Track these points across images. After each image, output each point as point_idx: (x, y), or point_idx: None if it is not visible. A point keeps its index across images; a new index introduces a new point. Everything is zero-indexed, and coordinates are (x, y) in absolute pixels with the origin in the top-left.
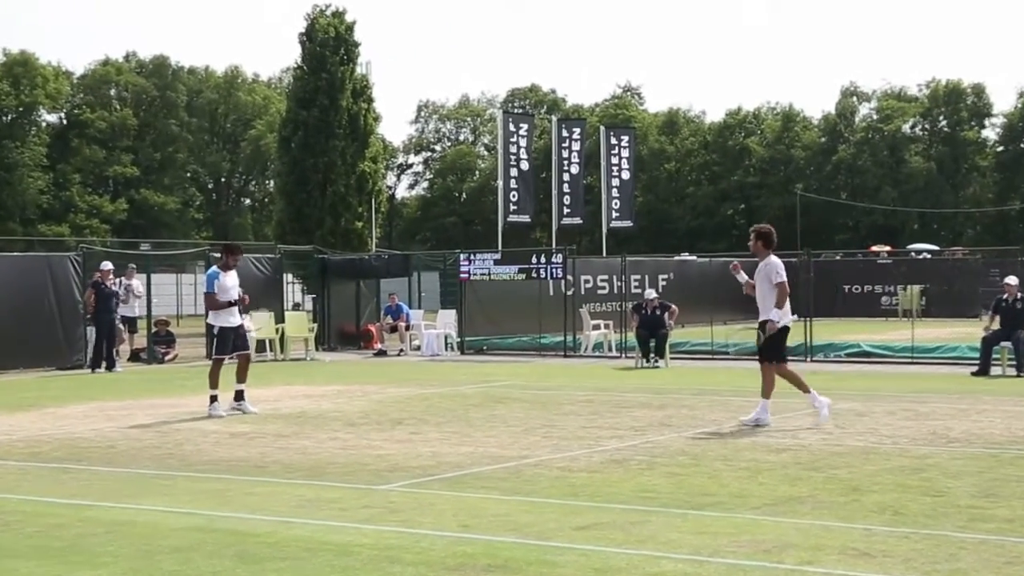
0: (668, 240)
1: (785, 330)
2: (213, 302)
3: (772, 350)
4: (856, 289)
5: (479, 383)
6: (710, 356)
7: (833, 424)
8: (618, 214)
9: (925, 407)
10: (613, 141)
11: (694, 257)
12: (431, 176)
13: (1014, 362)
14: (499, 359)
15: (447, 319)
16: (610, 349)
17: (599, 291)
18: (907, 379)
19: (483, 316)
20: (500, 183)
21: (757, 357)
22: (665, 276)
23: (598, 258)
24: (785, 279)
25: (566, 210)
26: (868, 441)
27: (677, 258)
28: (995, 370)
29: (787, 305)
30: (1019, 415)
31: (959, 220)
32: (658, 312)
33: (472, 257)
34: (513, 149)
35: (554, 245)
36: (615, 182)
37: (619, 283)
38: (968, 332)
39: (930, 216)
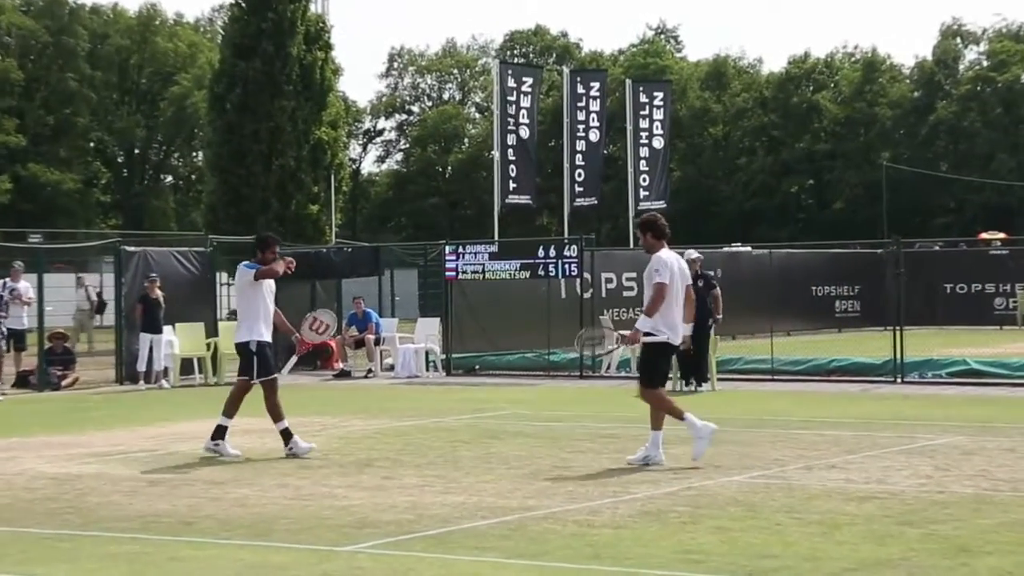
0: (714, 226)
1: (663, 348)
2: (261, 271)
3: (642, 372)
4: (961, 288)
5: (470, 413)
6: (770, 377)
7: (932, 465)
8: (649, 193)
9: None
10: (642, 99)
11: (748, 248)
12: (407, 146)
13: None
14: (496, 382)
15: (429, 330)
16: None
17: (625, 293)
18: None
19: (475, 326)
20: (496, 154)
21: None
22: (710, 273)
23: (623, 250)
24: (666, 280)
25: (581, 189)
26: (979, 487)
27: (726, 249)
28: None
29: (675, 316)
30: None
31: None
32: (700, 285)
33: (461, 250)
34: (513, 110)
35: (567, 234)
36: (645, 152)
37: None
38: None
39: None
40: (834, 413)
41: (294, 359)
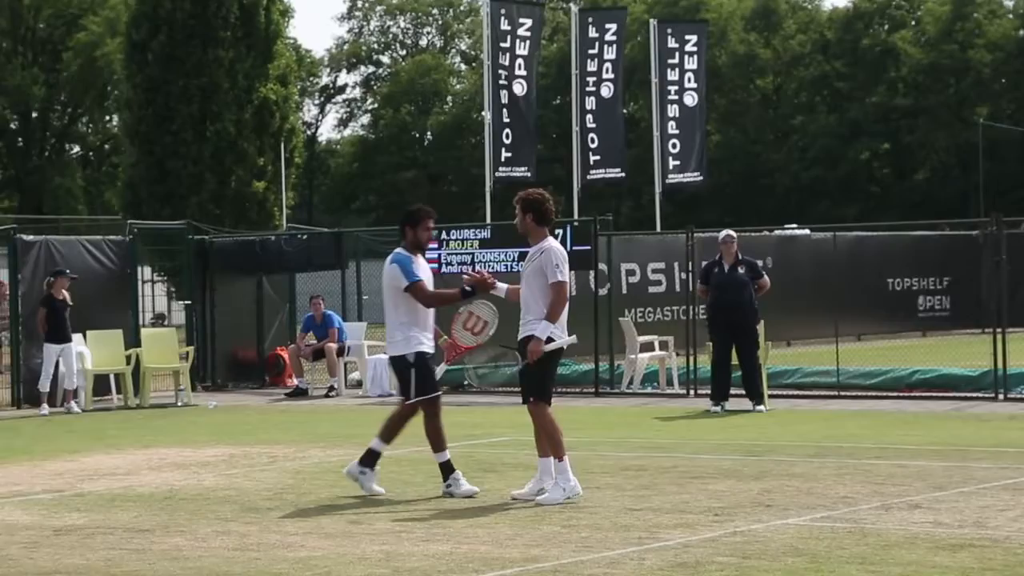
0: (763, 204)
1: (556, 355)
2: (426, 294)
3: (535, 384)
4: None
5: (459, 440)
6: (835, 393)
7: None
8: (680, 163)
9: None
10: (672, 43)
11: (806, 231)
12: (375, 106)
13: None
14: (491, 400)
15: None
16: (670, 383)
17: (651, 289)
18: None
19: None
20: (488, 115)
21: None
22: (760, 262)
23: (649, 234)
24: (566, 279)
25: (595, 158)
26: None
27: (778, 233)
28: None
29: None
30: None
31: None
32: (741, 271)
33: (444, 236)
34: (507, 60)
35: (576, 215)
36: (675, 111)
37: (683, 274)
38: None
39: None
40: (918, 439)
41: (443, 368)
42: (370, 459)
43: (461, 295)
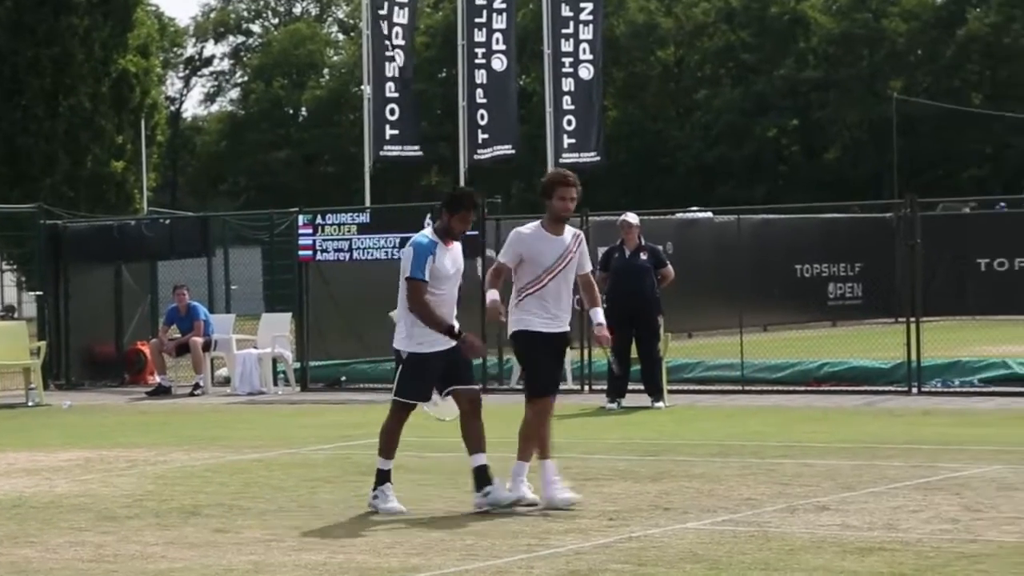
0: (663, 185)
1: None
2: (419, 299)
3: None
4: (1000, 265)
5: (334, 442)
6: (739, 388)
7: (960, 505)
8: (575, 141)
9: None
10: (566, 12)
11: (709, 214)
12: (245, 79)
13: None
14: (370, 399)
15: (277, 330)
16: (564, 378)
17: None
18: None
19: (341, 324)
20: (368, 89)
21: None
22: (659, 246)
23: (540, 217)
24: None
25: (484, 135)
26: (1023, 534)
27: (680, 216)
28: None
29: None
30: None
31: None
32: (643, 258)
33: (320, 220)
34: (389, 29)
35: None
36: (569, 85)
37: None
38: None
39: None
40: (826, 436)
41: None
42: (380, 480)
43: (446, 331)
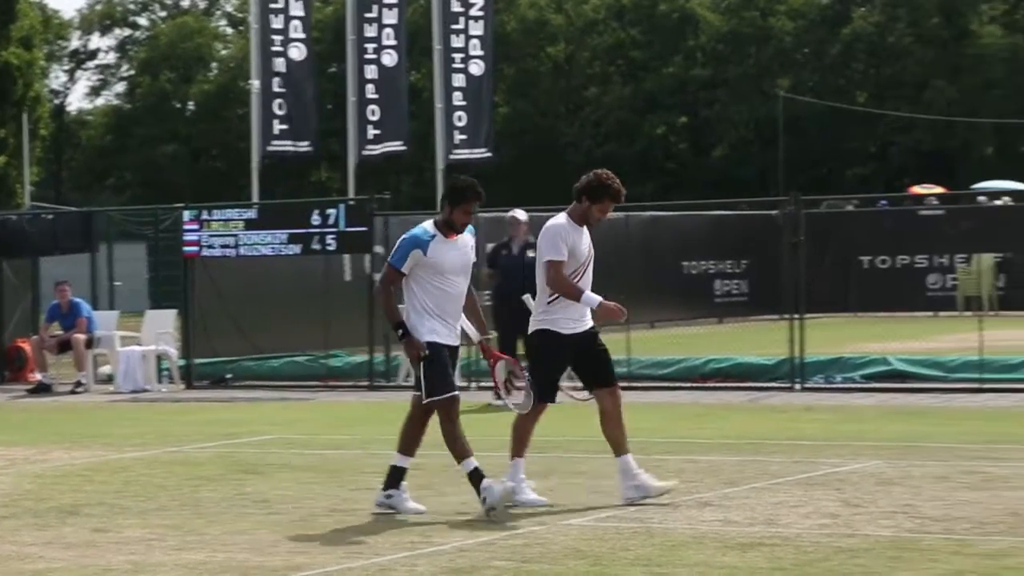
0: (553, 181)
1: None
2: (385, 287)
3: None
4: (883, 262)
5: (219, 440)
6: (625, 384)
7: (840, 500)
8: (466, 137)
9: (1003, 468)
10: (456, 7)
11: None
12: (131, 73)
13: None
14: (255, 396)
15: (161, 327)
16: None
17: None
18: (971, 419)
19: (227, 321)
20: (256, 83)
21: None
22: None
23: (431, 214)
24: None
25: (375, 131)
26: (901, 528)
27: None
28: None
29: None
30: None
31: None
32: (532, 255)
33: (207, 216)
34: (280, 23)
35: (352, 193)
36: (459, 81)
37: None
38: None
39: (1015, 131)
40: (710, 432)
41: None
42: (394, 478)
43: (394, 326)
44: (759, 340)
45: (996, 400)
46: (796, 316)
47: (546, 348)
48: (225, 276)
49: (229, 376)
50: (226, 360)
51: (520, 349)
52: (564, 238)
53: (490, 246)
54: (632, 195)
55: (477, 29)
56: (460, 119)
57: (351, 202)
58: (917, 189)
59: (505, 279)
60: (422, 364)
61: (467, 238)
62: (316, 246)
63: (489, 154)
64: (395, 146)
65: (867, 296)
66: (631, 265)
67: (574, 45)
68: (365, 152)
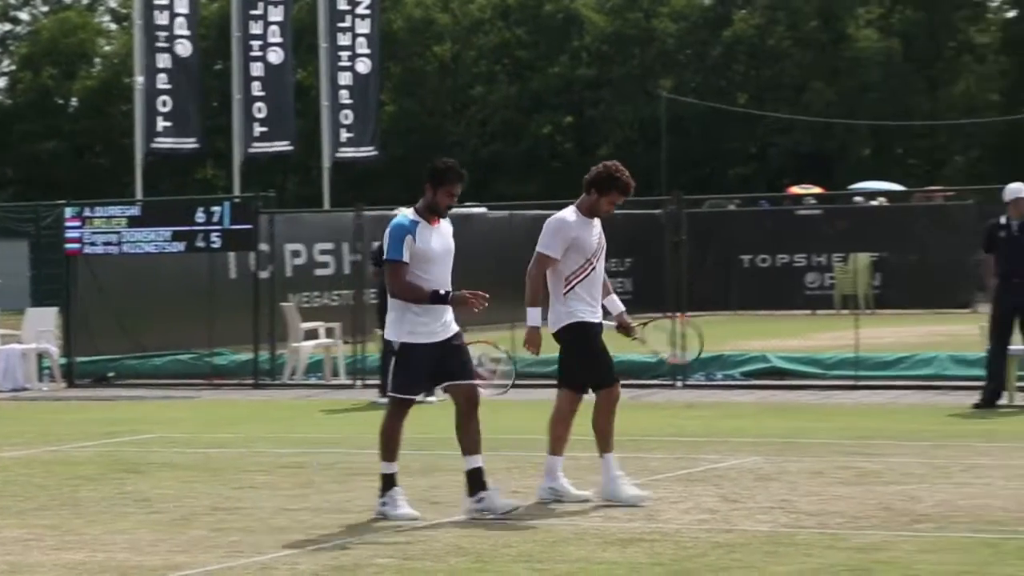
0: None
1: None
2: (398, 281)
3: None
4: (763, 261)
5: (100, 439)
6: (513, 383)
7: (718, 496)
8: (353, 135)
9: (876, 463)
10: (342, 6)
11: (483, 209)
12: (12, 68)
13: None
14: (138, 395)
15: (42, 325)
16: (336, 373)
17: (318, 272)
18: (846, 415)
19: (110, 319)
20: (140, 80)
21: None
22: None
23: (316, 212)
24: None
25: (262, 129)
26: (777, 523)
27: (455, 210)
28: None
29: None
30: None
31: (940, 140)
32: None
33: (89, 213)
34: (165, 19)
35: (238, 190)
36: (346, 79)
37: (353, 256)
38: (954, 333)
39: (891, 133)
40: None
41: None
42: (385, 486)
43: (431, 299)
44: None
45: (871, 397)
46: (678, 314)
47: (580, 341)
48: (108, 274)
49: (111, 374)
50: (109, 358)
51: None
52: (564, 233)
53: (375, 244)
54: (518, 193)
55: (364, 27)
56: (346, 117)
57: (236, 200)
58: (796, 189)
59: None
60: (395, 358)
61: (447, 226)
62: (200, 244)
63: (375, 152)
64: (282, 145)
65: (748, 294)
66: (516, 263)
67: (460, 44)
68: (251, 150)
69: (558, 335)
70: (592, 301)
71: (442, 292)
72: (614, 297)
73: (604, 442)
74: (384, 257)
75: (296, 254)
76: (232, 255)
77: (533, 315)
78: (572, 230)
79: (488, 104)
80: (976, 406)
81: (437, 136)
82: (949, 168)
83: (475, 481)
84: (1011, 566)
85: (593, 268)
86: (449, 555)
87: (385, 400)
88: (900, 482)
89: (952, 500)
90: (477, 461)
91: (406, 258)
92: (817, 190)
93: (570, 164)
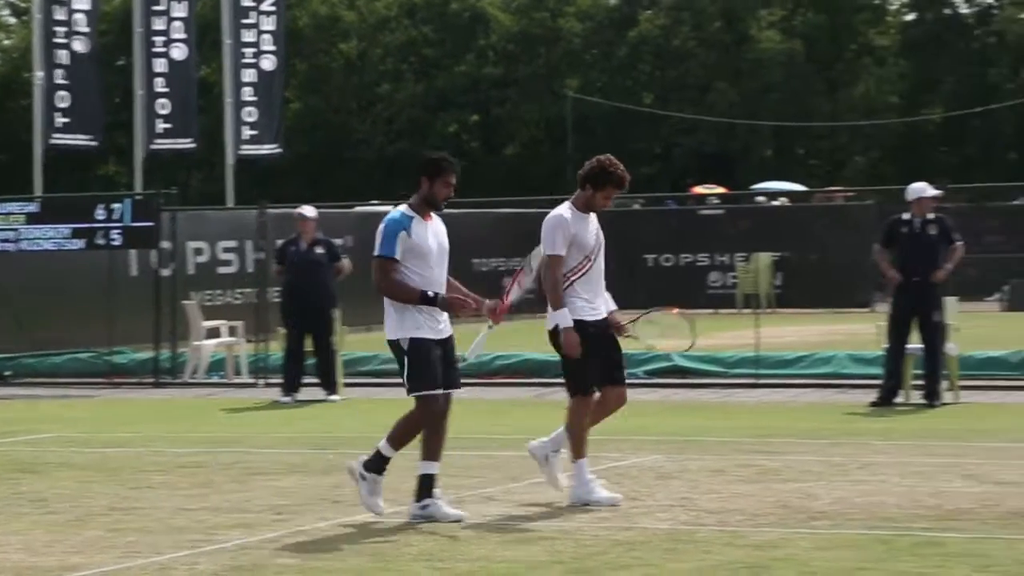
0: (346, 178)
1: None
2: (387, 278)
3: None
4: (666, 260)
5: None
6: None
7: (620, 492)
8: (257, 132)
9: (775, 461)
10: (247, 1)
11: (390, 208)
12: None
13: (923, 382)
14: (35, 393)
15: None
16: (239, 372)
17: (220, 269)
18: (747, 414)
19: (6, 317)
20: (39, 75)
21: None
22: (340, 240)
23: (219, 210)
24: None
25: (165, 126)
26: (677, 521)
27: (359, 209)
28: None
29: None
30: (927, 472)
31: (841, 141)
32: (320, 252)
33: None
34: (62, 14)
35: (139, 187)
36: (250, 76)
37: (257, 254)
38: (853, 332)
39: (793, 134)
40: (495, 427)
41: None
42: (376, 463)
43: (420, 300)
44: (545, 337)
45: (771, 395)
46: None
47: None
48: (5, 271)
49: (8, 373)
50: (6, 357)
51: (308, 346)
52: (563, 230)
53: (279, 242)
54: None
55: (269, 24)
56: (250, 114)
57: (138, 197)
58: (699, 189)
59: (293, 275)
60: (406, 358)
61: (441, 224)
62: (101, 241)
63: (279, 150)
64: (185, 143)
65: (652, 293)
66: None
67: (367, 42)
68: (153, 146)
69: (553, 334)
70: (590, 298)
71: (431, 294)
72: (607, 295)
73: (580, 447)
74: (375, 253)
75: (199, 252)
76: (133, 252)
77: (564, 317)
78: (571, 226)
79: (394, 102)
80: (873, 404)
81: (343, 134)
82: (849, 169)
83: (425, 487)
84: (904, 562)
85: (591, 265)
86: (350, 554)
87: (288, 399)
88: (798, 480)
89: (848, 497)
90: (434, 467)
91: (398, 255)
92: (720, 190)
93: (476, 163)
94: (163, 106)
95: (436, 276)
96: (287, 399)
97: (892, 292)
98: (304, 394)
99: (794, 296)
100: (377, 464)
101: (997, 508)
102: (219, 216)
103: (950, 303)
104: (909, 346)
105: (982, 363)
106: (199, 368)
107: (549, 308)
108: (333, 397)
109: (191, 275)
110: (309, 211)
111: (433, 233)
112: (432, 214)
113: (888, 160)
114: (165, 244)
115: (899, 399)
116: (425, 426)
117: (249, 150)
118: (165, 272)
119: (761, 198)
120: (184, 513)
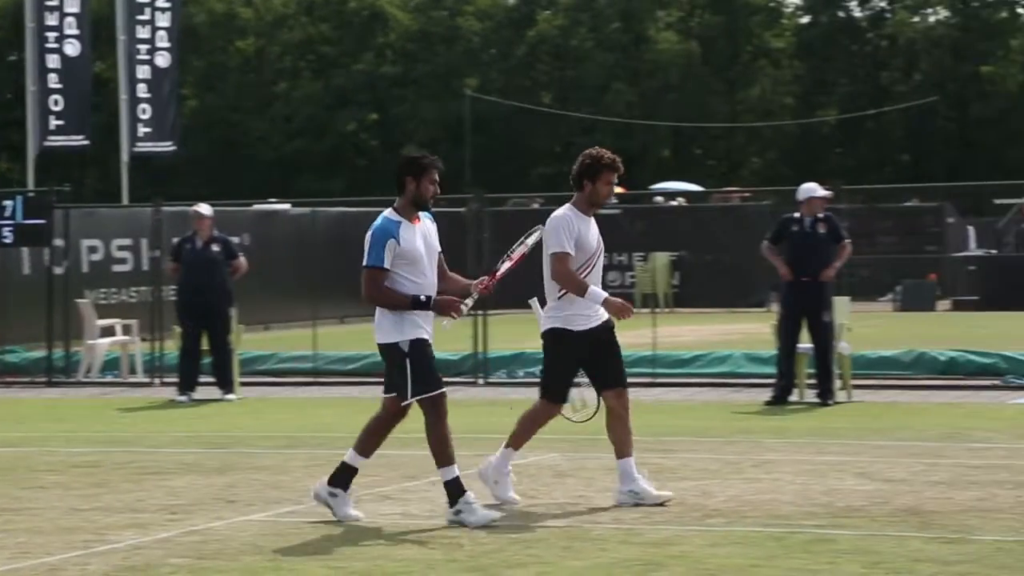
0: (244, 176)
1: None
2: (377, 288)
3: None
4: None
5: None
6: (312, 379)
7: (518, 491)
8: (151, 130)
9: (671, 459)
10: None
11: (287, 206)
12: None
13: (815, 381)
14: None
15: None
16: (133, 371)
17: (115, 268)
18: (644, 412)
19: None
20: None
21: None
22: (236, 239)
23: (114, 207)
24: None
25: (58, 122)
26: (573, 519)
27: (257, 207)
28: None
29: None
30: (819, 470)
31: (738, 142)
32: (216, 250)
33: None
34: None
35: (31, 184)
36: (145, 72)
37: (152, 252)
38: (749, 331)
39: (690, 134)
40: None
41: (469, 302)
42: (343, 477)
43: (412, 305)
44: (446, 335)
45: (668, 394)
46: (480, 312)
47: (559, 348)
48: None
49: None
50: None
51: (204, 344)
52: (569, 229)
53: (175, 240)
54: (322, 190)
55: (164, 21)
56: (145, 111)
57: (30, 194)
58: None
59: (189, 273)
60: (408, 360)
61: (430, 224)
62: None
63: (174, 147)
64: (79, 140)
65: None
66: (320, 260)
67: (264, 39)
68: (47, 143)
69: (544, 336)
70: (587, 305)
71: (423, 298)
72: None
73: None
74: (364, 264)
75: (93, 250)
76: (25, 250)
77: (596, 294)
78: (574, 226)
79: (292, 100)
80: (768, 402)
81: (240, 132)
82: (746, 169)
83: (453, 490)
84: (796, 559)
85: (592, 269)
86: (244, 554)
87: (184, 398)
88: (694, 478)
89: (742, 495)
90: (454, 471)
91: (387, 264)
92: (619, 189)
93: (375, 161)
94: (56, 103)
95: (426, 281)
96: (183, 398)
97: (783, 292)
98: (200, 393)
99: (691, 296)
100: (344, 478)
101: (887, 506)
102: (113, 214)
103: (842, 303)
104: (800, 345)
105: (874, 362)
106: (93, 367)
107: (540, 312)
108: (229, 396)
109: (85, 273)
110: (205, 209)
111: (422, 236)
112: (420, 215)
113: (784, 161)
114: (58, 242)
115: (793, 398)
116: (434, 428)
117: (144, 147)
118: (58, 270)
119: (659, 198)
120: (77, 513)
